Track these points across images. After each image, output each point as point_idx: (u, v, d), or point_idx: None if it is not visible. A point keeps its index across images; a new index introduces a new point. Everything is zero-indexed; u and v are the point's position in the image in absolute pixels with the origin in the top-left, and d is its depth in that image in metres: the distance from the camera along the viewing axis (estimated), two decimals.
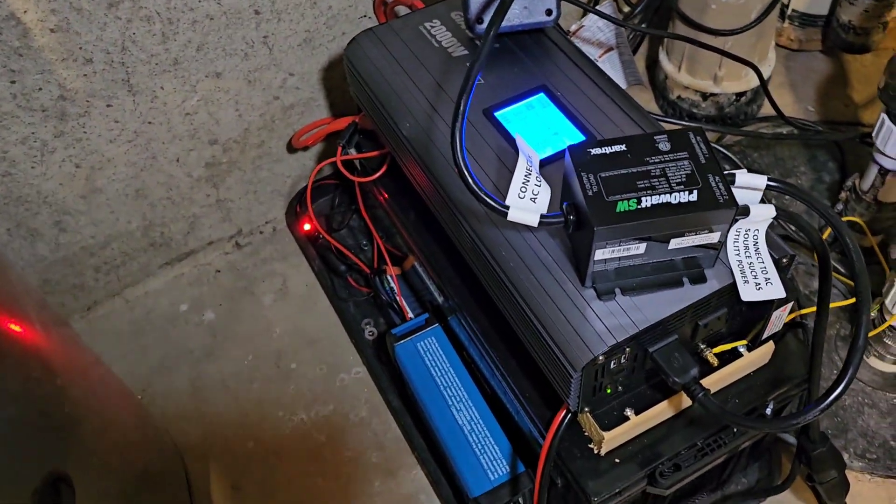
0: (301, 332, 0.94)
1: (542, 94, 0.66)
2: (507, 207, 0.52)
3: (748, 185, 0.54)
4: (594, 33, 0.82)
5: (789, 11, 1.08)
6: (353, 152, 0.82)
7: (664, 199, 0.49)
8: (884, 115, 0.79)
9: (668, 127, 0.60)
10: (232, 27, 0.82)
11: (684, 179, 0.50)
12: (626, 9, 1.02)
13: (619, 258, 0.51)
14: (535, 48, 0.70)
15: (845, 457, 0.77)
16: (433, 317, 0.80)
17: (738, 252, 0.53)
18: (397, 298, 0.85)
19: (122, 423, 0.68)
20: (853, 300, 0.86)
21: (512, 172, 0.54)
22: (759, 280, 0.52)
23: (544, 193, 0.54)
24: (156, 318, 0.98)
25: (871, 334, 0.79)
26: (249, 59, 0.86)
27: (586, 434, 0.59)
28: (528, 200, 0.53)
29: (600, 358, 0.51)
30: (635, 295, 0.53)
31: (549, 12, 0.68)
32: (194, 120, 0.88)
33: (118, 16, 0.75)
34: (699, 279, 0.53)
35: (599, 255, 0.50)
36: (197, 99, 0.86)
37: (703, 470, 0.60)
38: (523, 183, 0.54)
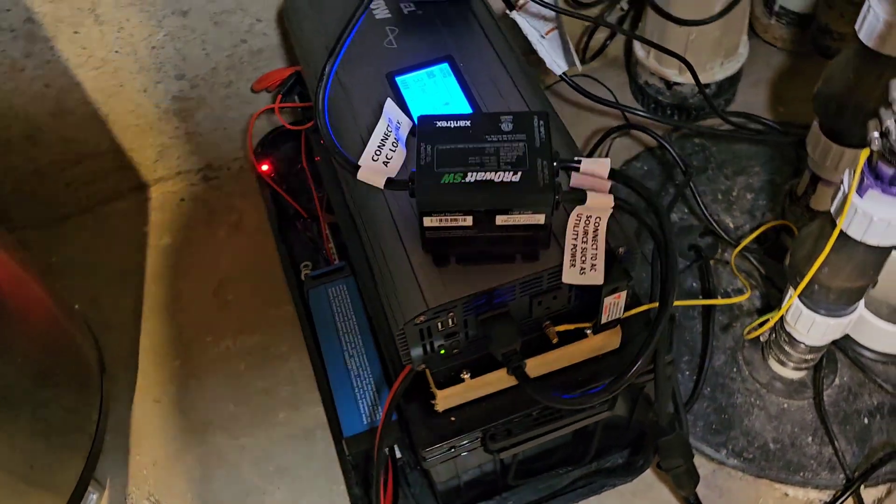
0: (244, 267, 0.99)
1: (445, 65, 0.68)
2: (358, 167, 0.55)
3: (592, 172, 0.56)
4: (540, 9, 0.83)
5: (776, 8, 1.06)
6: (296, 100, 0.86)
7: (488, 176, 0.51)
8: (815, 122, 0.79)
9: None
10: None
11: (513, 160, 0.52)
12: None
13: (451, 227, 0.54)
14: (456, 20, 0.72)
15: (722, 453, 0.79)
16: (350, 266, 0.84)
17: (575, 236, 0.55)
18: (325, 245, 0.89)
19: (35, 328, 0.75)
20: (721, 301, 0.87)
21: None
22: (585, 265, 0.54)
23: (398, 158, 0.57)
24: (119, 236, 1.04)
25: (755, 334, 0.79)
26: (215, 0, 0.90)
27: (431, 391, 0.62)
28: (380, 163, 0.56)
29: (420, 318, 0.54)
30: (467, 264, 0.56)
31: None
32: (160, 54, 0.93)
33: None
34: (531, 257, 0.56)
35: (427, 221, 0.53)
36: (163, 34, 0.91)
37: (538, 439, 0.63)
38: (379, 145, 0.57)
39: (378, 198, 0.60)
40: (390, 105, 0.59)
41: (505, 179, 0.51)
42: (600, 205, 0.55)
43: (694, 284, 0.90)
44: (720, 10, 0.91)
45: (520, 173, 0.51)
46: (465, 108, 0.65)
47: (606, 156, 0.99)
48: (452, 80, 0.67)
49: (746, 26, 0.99)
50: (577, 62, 0.82)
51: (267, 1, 0.92)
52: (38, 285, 0.77)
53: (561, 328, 0.60)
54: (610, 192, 0.56)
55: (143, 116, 0.99)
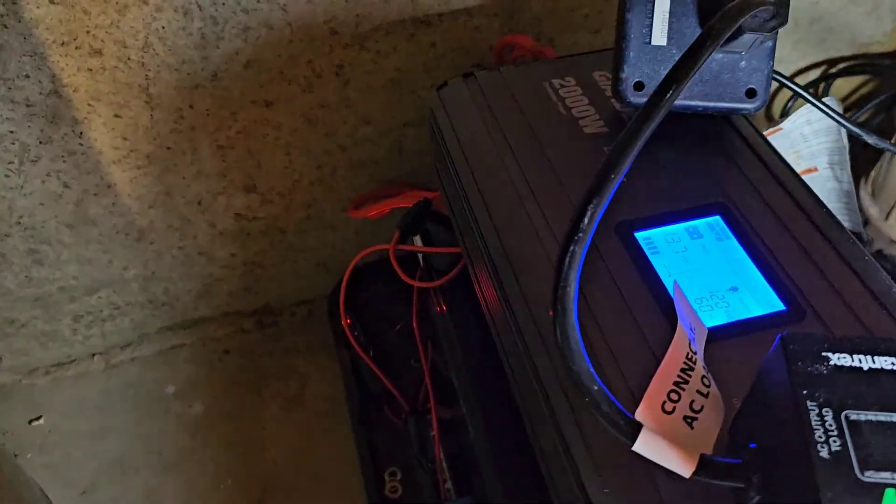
0: (304, 463, 0.69)
1: (717, 218, 0.40)
2: (638, 427, 0.26)
3: None
4: (794, 142, 0.57)
5: None
6: (417, 242, 0.59)
7: None
8: None
9: None
10: (297, 45, 0.61)
11: None
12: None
13: None
14: (713, 141, 0.45)
15: None
16: None
17: None
18: (435, 456, 0.60)
19: None
20: None
21: (655, 352, 0.28)
22: None
23: (713, 413, 0.28)
24: (134, 395, 0.76)
25: None
26: (314, 91, 0.65)
27: None
28: (678, 420, 0.27)
29: None
30: None
31: (751, 93, 0.42)
32: (228, 156, 0.67)
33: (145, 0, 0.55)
34: None
35: None
36: (236, 130, 0.65)
37: None
38: (676, 382, 0.28)
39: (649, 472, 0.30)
40: (682, 299, 0.31)
41: None
42: None
43: None
44: None
45: None
46: (774, 304, 0.36)
47: None
48: (735, 245, 0.39)
49: None
50: (860, 223, 0.54)
51: (381, 98, 0.67)
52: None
53: None
54: None
55: (192, 237, 0.72)
